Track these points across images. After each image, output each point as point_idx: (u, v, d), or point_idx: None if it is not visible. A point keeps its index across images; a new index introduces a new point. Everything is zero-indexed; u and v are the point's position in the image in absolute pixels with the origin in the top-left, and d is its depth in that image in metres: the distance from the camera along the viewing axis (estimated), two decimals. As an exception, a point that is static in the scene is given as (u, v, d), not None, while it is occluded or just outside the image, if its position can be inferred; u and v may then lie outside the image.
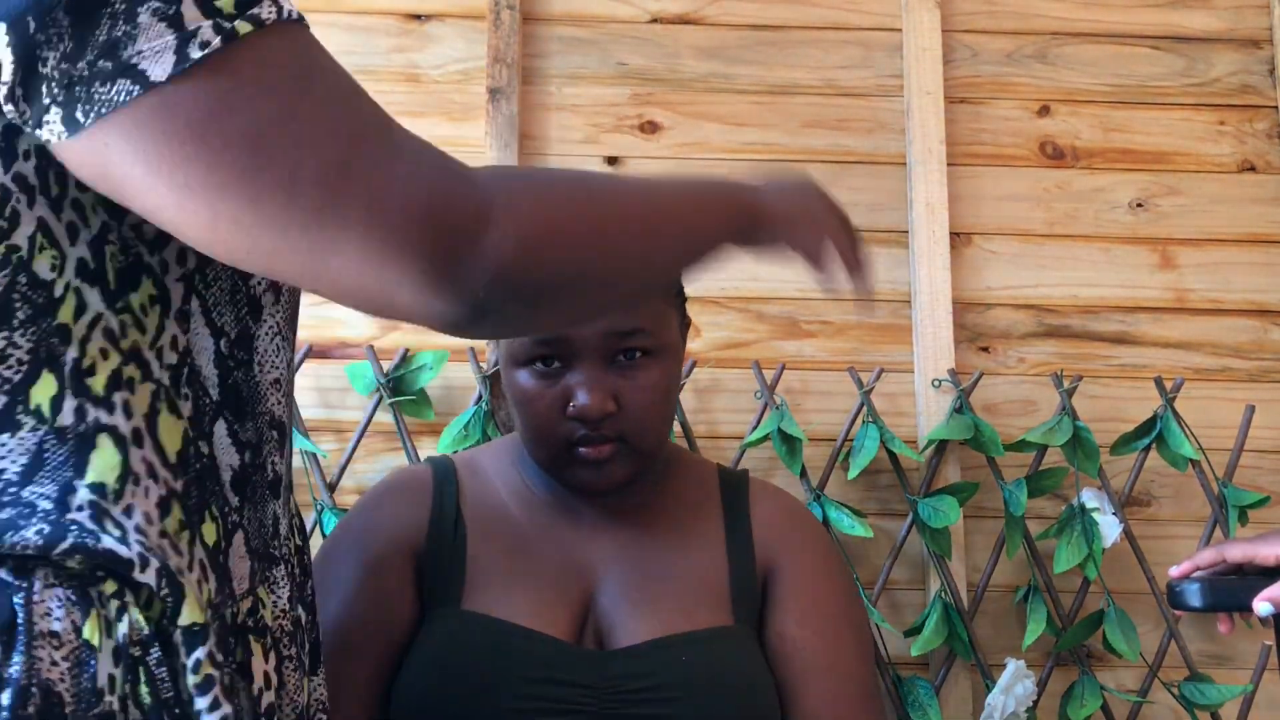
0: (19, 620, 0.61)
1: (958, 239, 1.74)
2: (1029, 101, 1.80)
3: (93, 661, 0.63)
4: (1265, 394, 1.72)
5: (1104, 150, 1.79)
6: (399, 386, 1.61)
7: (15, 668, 0.60)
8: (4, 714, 0.60)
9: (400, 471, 1.23)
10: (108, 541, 0.65)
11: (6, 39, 0.59)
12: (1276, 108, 1.80)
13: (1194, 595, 1.15)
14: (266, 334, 0.77)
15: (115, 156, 0.61)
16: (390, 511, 1.17)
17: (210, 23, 0.61)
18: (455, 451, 1.43)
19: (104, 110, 0.60)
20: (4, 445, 0.64)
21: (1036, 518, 1.66)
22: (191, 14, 0.60)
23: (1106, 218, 1.77)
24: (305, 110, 0.62)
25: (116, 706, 0.63)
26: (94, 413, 0.66)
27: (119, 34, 0.59)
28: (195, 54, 0.60)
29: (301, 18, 0.66)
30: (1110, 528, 1.60)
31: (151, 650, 0.66)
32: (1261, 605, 1.10)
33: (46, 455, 0.65)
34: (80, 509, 0.65)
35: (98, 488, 0.66)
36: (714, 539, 1.18)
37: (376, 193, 0.62)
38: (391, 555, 1.14)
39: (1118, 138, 1.79)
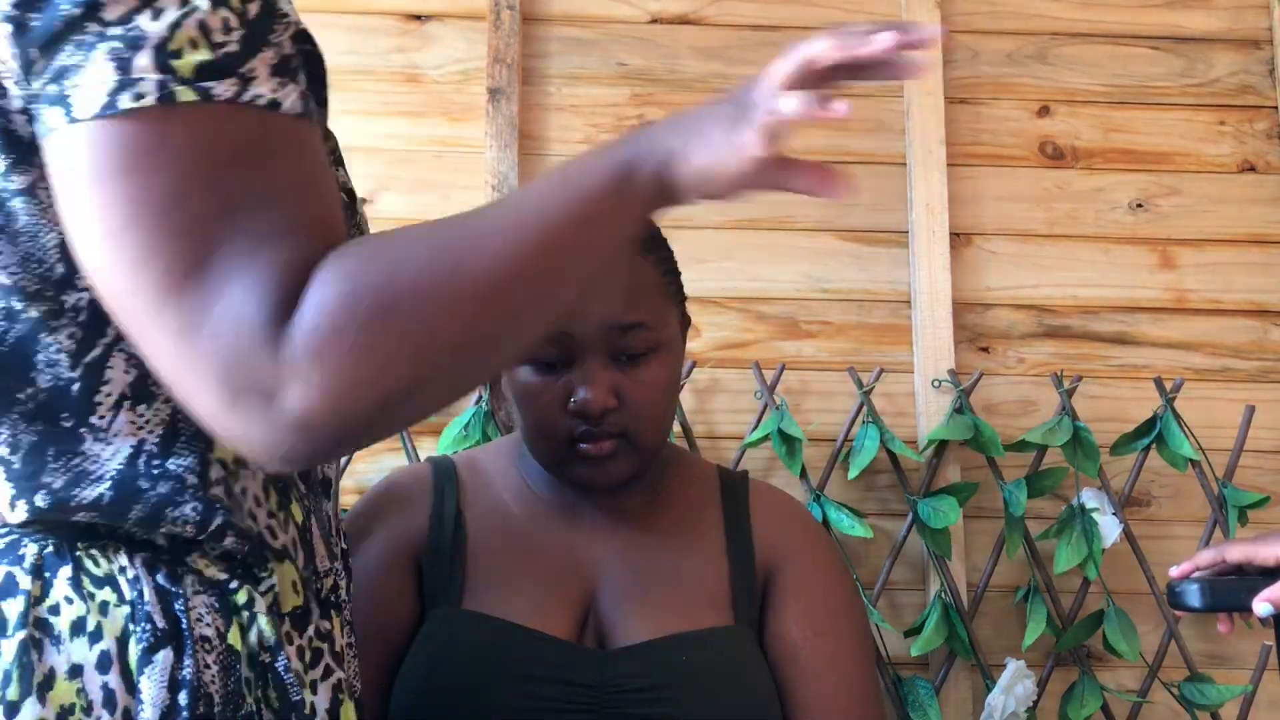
0: (184, 625, 0.66)
1: (958, 239, 1.74)
2: (1029, 102, 1.80)
3: (237, 666, 0.68)
4: (1265, 394, 1.72)
5: (1104, 150, 1.79)
6: (399, 387, 1.60)
7: (187, 670, 0.66)
8: (183, 714, 0.64)
9: (401, 471, 1.24)
10: (248, 523, 0.70)
11: (16, 50, 0.62)
12: (1276, 108, 1.80)
13: (1194, 595, 1.15)
14: None
15: (52, 177, 0.64)
16: (390, 512, 1.17)
17: (157, 79, 0.61)
18: (455, 451, 1.43)
19: (43, 132, 0.63)
20: (142, 416, 0.68)
21: (1036, 518, 1.65)
22: (143, 63, 0.61)
23: (1106, 218, 1.77)
24: (196, 202, 0.60)
25: (253, 709, 0.68)
26: None
27: (71, 63, 0.61)
28: (124, 103, 0.60)
29: (276, 105, 0.64)
30: (1110, 528, 1.60)
31: (279, 657, 0.70)
32: (1261, 605, 1.10)
33: (180, 425, 0.69)
34: (218, 484, 0.70)
35: (222, 464, 0.70)
36: (714, 540, 1.18)
37: (192, 319, 0.60)
38: (391, 555, 1.14)
39: (1118, 138, 1.79)
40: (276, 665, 0.70)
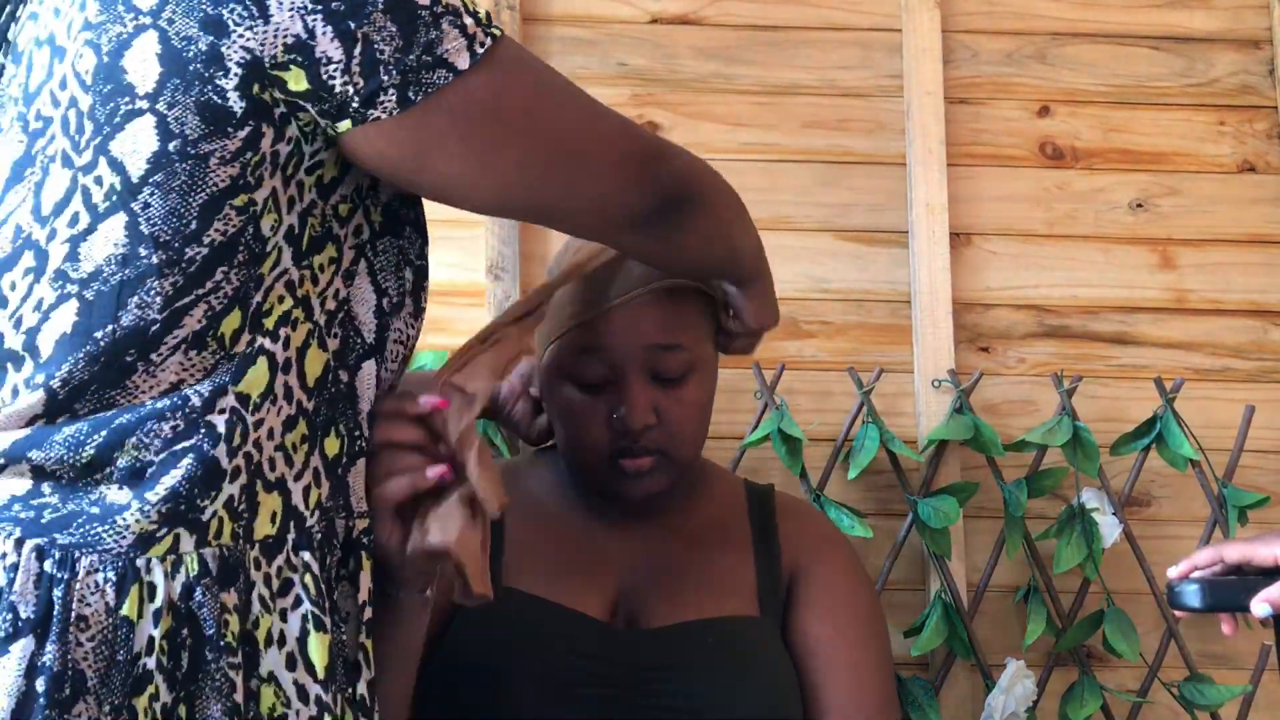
0: (55, 612, 0.71)
1: (958, 239, 1.74)
2: (1029, 102, 1.80)
3: (130, 636, 0.73)
4: (1265, 394, 1.72)
5: (1104, 150, 1.79)
6: (399, 387, 1.61)
7: (48, 655, 0.71)
8: (40, 699, 0.70)
9: None
10: (219, 451, 0.77)
11: (331, 32, 0.76)
12: (1276, 108, 1.80)
13: (1193, 595, 1.15)
14: (407, 312, 0.92)
15: (432, 133, 0.80)
16: None
17: (480, 29, 0.81)
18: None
19: (429, 91, 0.79)
20: (190, 360, 0.78)
21: (1036, 518, 1.65)
22: (469, 23, 0.80)
23: (1106, 218, 1.77)
24: (551, 89, 0.86)
25: (154, 665, 0.73)
26: (260, 340, 0.80)
27: (433, 36, 0.78)
28: (479, 50, 0.80)
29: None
30: (1110, 528, 1.60)
31: (195, 592, 0.75)
32: (1260, 606, 1.10)
33: (219, 369, 0.78)
34: (222, 411, 0.77)
35: (243, 397, 0.78)
36: (741, 540, 1.23)
37: (615, 142, 0.89)
38: None
39: (1118, 138, 1.79)
40: (191, 603, 0.75)
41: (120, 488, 0.75)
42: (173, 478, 0.75)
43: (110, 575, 0.73)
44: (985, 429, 1.61)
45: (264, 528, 0.79)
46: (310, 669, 0.79)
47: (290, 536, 0.81)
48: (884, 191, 1.76)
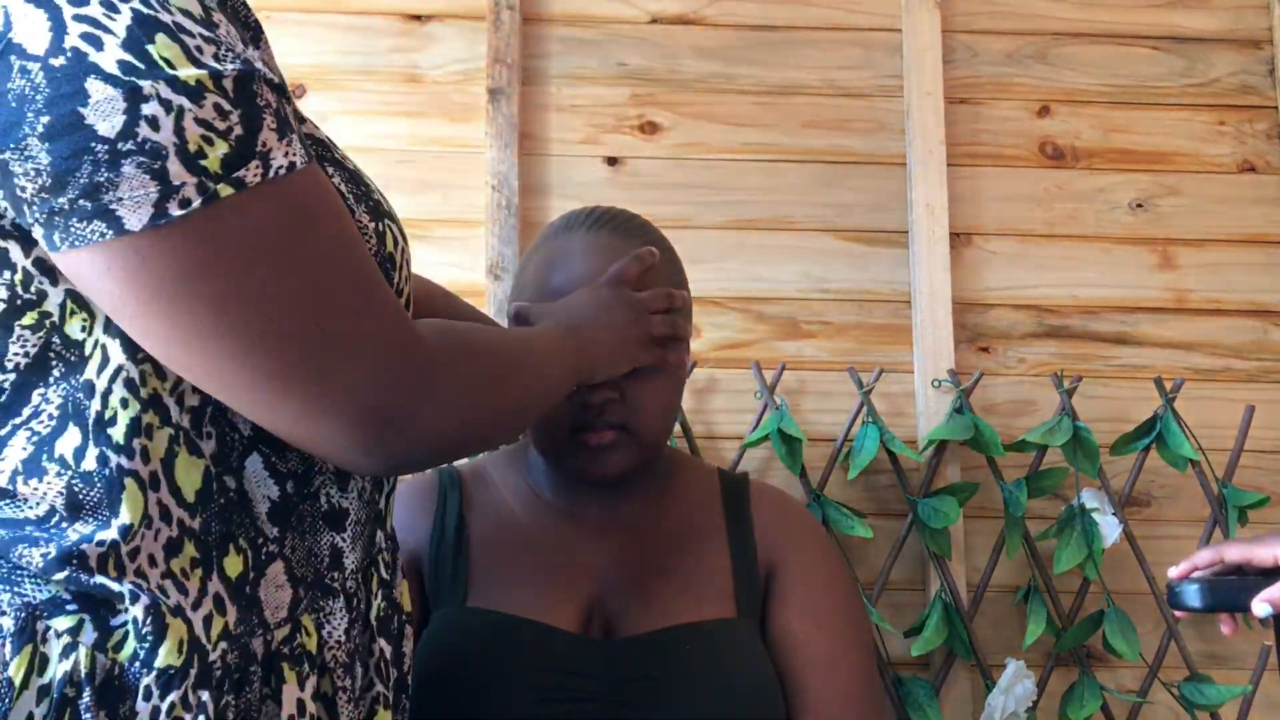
0: None
1: (958, 239, 1.74)
2: (1029, 102, 1.80)
3: (8, 698, 0.65)
4: (1265, 394, 1.72)
5: (1104, 150, 1.79)
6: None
7: None
8: None
9: (406, 480, 1.24)
10: (100, 579, 0.68)
11: None
12: (1276, 108, 1.80)
13: (1193, 596, 1.15)
14: None
15: (85, 284, 0.65)
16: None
17: (195, 181, 0.62)
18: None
19: (77, 243, 0.62)
20: (35, 490, 0.68)
21: (1036, 518, 1.66)
22: (176, 170, 0.62)
23: (1106, 218, 1.77)
24: (278, 284, 0.65)
25: None
26: (115, 459, 0.68)
27: (100, 179, 0.61)
28: (174, 211, 0.62)
29: (294, 167, 0.67)
30: (1110, 528, 1.60)
31: (84, 694, 0.67)
32: (1260, 606, 1.10)
33: (80, 495, 0.68)
34: (100, 544, 0.68)
35: (124, 528, 0.68)
36: (716, 537, 1.20)
37: (329, 374, 0.67)
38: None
39: (1118, 138, 1.79)
40: (80, 702, 0.67)
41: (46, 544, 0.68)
42: (78, 570, 0.67)
43: (12, 625, 0.66)
44: (985, 429, 1.62)
45: (169, 656, 0.69)
46: None
47: (192, 671, 0.70)
48: (884, 191, 1.76)
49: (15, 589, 0.67)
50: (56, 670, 0.66)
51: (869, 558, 1.65)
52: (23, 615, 0.66)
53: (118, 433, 0.68)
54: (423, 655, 1.09)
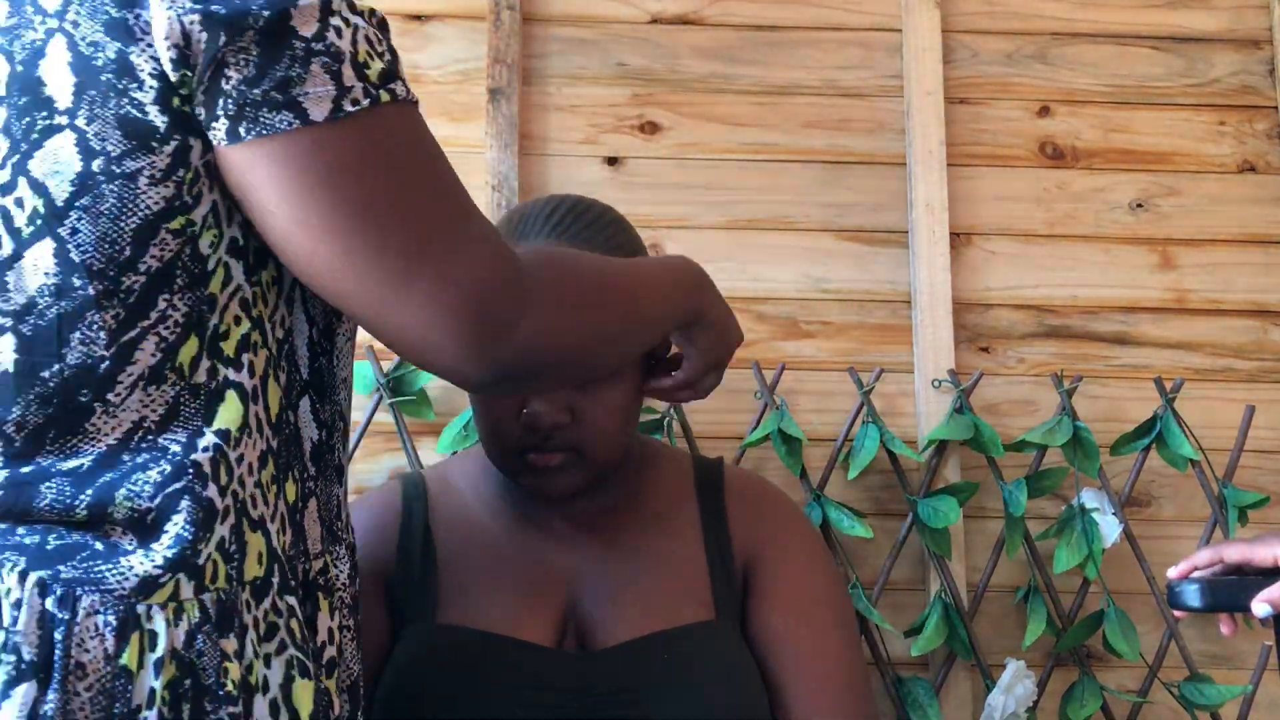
0: (56, 656, 0.67)
1: (958, 239, 1.74)
2: (1029, 102, 1.80)
3: (129, 687, 0.68)
4: (1265, 394, 1.72)
5: (1104, 150, 1.79)
6: (399, 387, 1.61)
7: (49, 704, 0.66)
8: None
9: (369, 493, 1.22)
10: (211, 491, 0.73)
11: (209, 44, 0.69)
12: (1276, 108, 1.80)
13: (1193, 595, 1.15)
14: (343, 334, 0.87)
15: (257, 176, 0.71)
16: (358, 534, 1.14)
17: (362, 85, 0.72)
18: (453, 452, 1.43)
19: (264, 132, 0.70)
20: (150, 395, 0.73)
21: (1036, 518, 1.65)
22: (349, 74, 0.72)
23: (1106, 218, 1.77)
24: (413, 186, 0.74)
25: (155, 717, 0.68)
26: (224, 371, 0.75)
27: (294, 74, 0.70)
28: (349, 107, 0.71)
29: (416, 101, 0.77)
30: (1110, 528, 1.60)
31: (196, 639, 0.71)
32: (1260, 606, 1.10)
33: (182, 407, 0.74)
34: (205, 450, 0.73)
35: (223, 433, 0.74)
36: (691, 534, 1.17)
37: (445, 273, 0.73)
38: (361, 579, 1.12)
39: (1118, 138, 1.79)
40: (192, 651, 0.71)
41: (124, 531, 0.71)
42: (175, 524, 0.71)
43: (111, 620, 0.69)
44: (985, 429, 1.61)
45: (253, 569, 0.75)
46: (295, 717, 0.75)
47: (275, 580, 0.77)
48: (884, 191, 1.76)
49: (101, 586, 0.69)
50: (171, 636, 0.70)
51: (869, 558, 1.65)
52: (120, 608, 0.69)
53: (229, 346, 0.75)
54: (392, 676, 1.06)
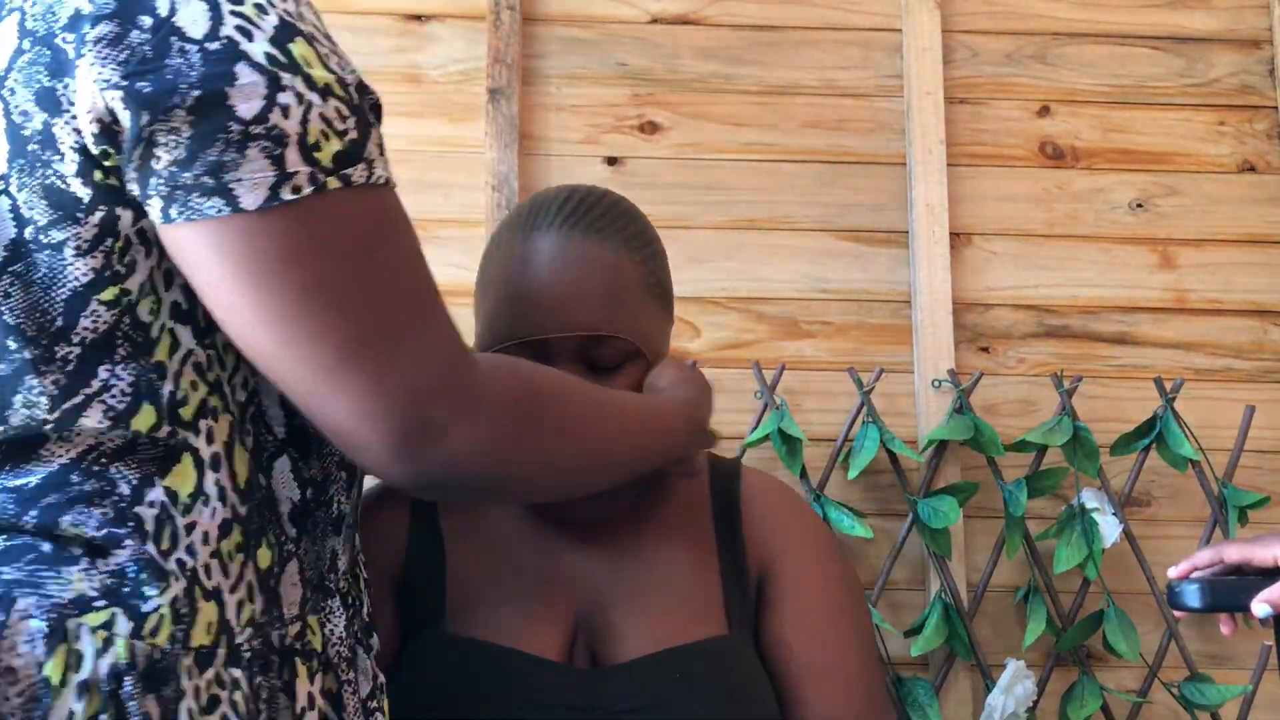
0: None
1: (958, 239, 1.74)
2: (1029, 102, 1.80)
3: (46, 699, 0.66)
4: (1265, 394, 1.72)
5: (1104, 150, 1.79)
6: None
7: None
8: None
9: (378, 488, 1.20)
10: (150, 549, 0.71)
11: (133, 122, 0.66)
12: (1276, 108, 1.80)
13: (1193, 595, 1.14)
14: None
15: (192, 257, 0.69)
16: (366, 534, 1.09)
17: (309, 171, 0.68)
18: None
19: (193, 217, 0.67)
20: (104, 432, 0.71)
21: (1036, 518, 1.66)
22: (293, 158, 0.68)
23: (1106, 218, 1.77)
24: (359, 278, 0.70)
25: None
26: (182, 434, 0.73)
27: (227, 158, 0.66)
28: (286, 195, 0.67)
29: (389, 183, 0.73)
30: (1110, 528, 1.60)
31: (124, 683, 0.68)
32: (1260, 607, 1.10)
33: (139, 448, 0.72)
34: (151, 505, 0.71)
35: (171, 493, 0.72)
36: (705, 542, 1.13)
37: (380, 371, 0.70)
38: (369, 579, 1.11)
39: (1118, 138, 1.79)
40: (121, 692, 0.68)
41: (72, 545, 0.70)
42: (118, 556, 0.70)
43: (43, 626, 0.67)
44: (985, 429, 1.62)
45: (200, 636, 0.72)
46: None
47: (221, 651, 0.73)
48: (884, 191, 1.76)
49: (39, 591, 0.68)
50: (96, 665, 0.68)
51: (869, 558, 1.65)
52: (53, 616, 0.67)
53: (188, 412, 0.73)
54: (399, 685, 1.03)
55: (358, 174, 0.70)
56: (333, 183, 0.69)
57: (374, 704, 0.87)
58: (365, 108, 0.74)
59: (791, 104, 1.77)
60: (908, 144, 1.75)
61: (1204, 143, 1.79)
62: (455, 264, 1.68)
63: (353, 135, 0.71)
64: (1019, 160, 1.78)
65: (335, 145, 0.69)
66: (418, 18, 1.76)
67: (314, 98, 0.69)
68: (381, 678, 0.89)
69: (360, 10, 1.75)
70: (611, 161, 1.74)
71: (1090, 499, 1.61)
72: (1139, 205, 1.78)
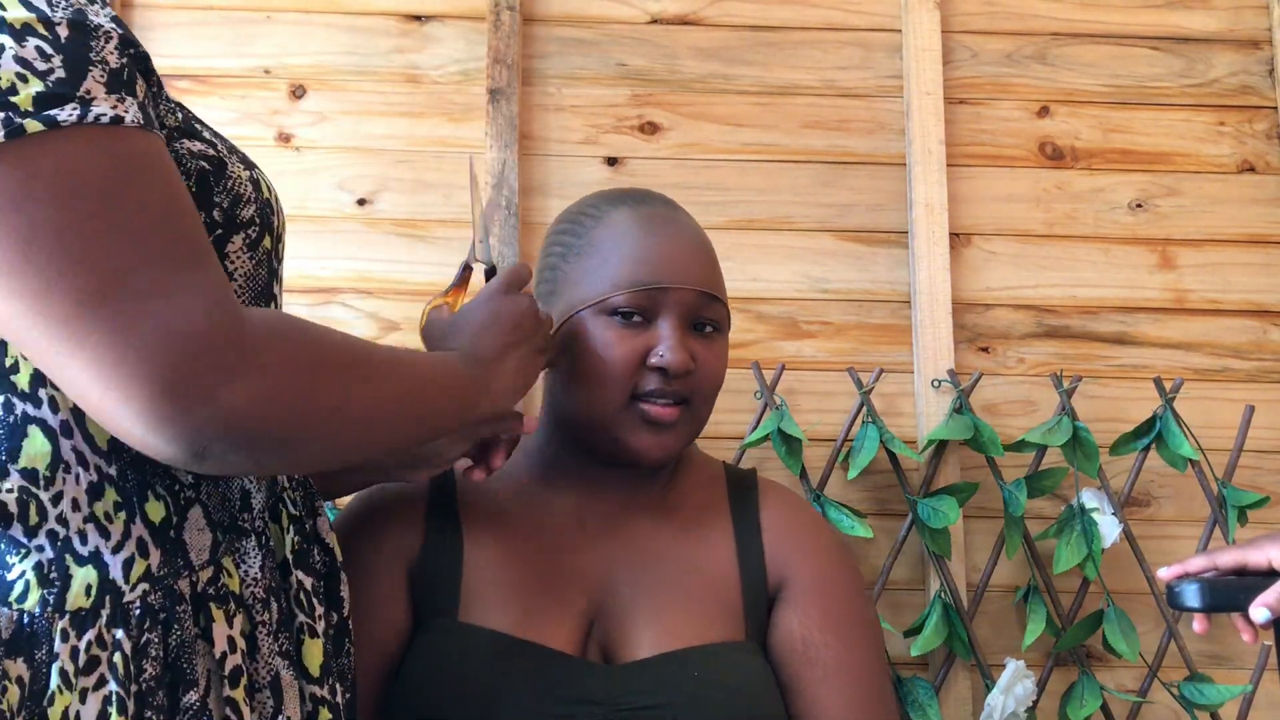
0: None
1: (957, 239, 1.74)
2: (1029, 102, 1.80)
3: None
4: (1265, 394, 1.72)
5: (1104, 151, 1.79)
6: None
7: None
8: None
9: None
10: (16, 531, 0.70)
11: None
12: (1276, 108, 1.81)
13: (1193, 595, 1.14)
14: None
15: None
16: (382, 519, 1.13)
17: (2, 115, 0.63)
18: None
19: None
20: None
21: (1036, 518, 1.66)
22: (16, 100, 0.63)
23: (1106, 218, 1.77)
24: (90, 227, 0.64)
25: None
26: (21, 406, 0.71)
27: None
28: None
29: (122, 122, 0.67)
30: (1110, 528, 1.60)
31: None
32: (1259, 611, 1.09)
33: None
34: (10, 491, 0.70)
35: (29, 473, 0.71)
36: (723, 544, 1.15)
37: (123, 327, 0.63)
38: (382, 564, 1.10)
39: (1117, 138, 1.79)
40: None
41: None
42: None
43: None
44: (985, 429, 1.62)
45: (78, 600, 0.71)
46: None
47: (104, 612, 0.72)
48: (884, 191, 1.76)
49: None
50: None
51: (869, 558, 1.65)
52: None
53: (22, 380, 0.70)
54: (412, 674, 1.05)
55: (65, 114, 0.64)
56: (32, 125, 0.63)
57: (287, 644, 0.85)
58: (85, 47, 0.67)
59: (791, 104, 1.77)
60: (907, 144, 1.75)
61: (1204, 143, 1.80)
62: (455, 264, 1.68)
63: (59, 74, 0.65)
64: (1019, 160, 1.78)
65: (35, 86, 0.64)
66: (418, 18, 1.76)
67: (5, 39, 0.65)
68: (303, 618, 0.86)
69: (360, 10, 1.75)
70: (611, 162, 1.75)
71: (1090, 499, 1.61)
72: (1138, 205, 1.78)
